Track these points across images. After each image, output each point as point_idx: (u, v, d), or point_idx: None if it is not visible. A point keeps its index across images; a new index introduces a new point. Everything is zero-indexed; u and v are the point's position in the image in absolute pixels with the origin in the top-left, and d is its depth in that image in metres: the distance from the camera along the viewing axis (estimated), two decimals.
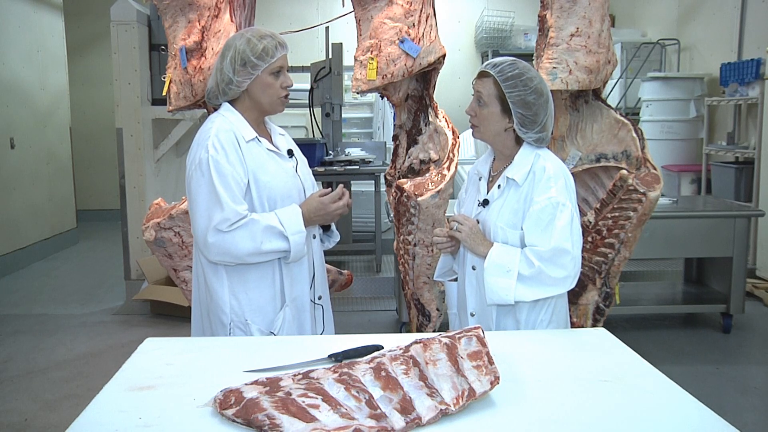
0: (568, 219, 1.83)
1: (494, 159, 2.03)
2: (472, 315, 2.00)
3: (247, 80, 1.93)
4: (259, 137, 1.96)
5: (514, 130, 1.90)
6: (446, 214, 2.58)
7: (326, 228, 2.18)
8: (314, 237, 2.08)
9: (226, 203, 1.83)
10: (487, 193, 1.97)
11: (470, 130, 1.99)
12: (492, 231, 1.91)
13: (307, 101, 5.67)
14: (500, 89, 1.87)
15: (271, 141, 2.04)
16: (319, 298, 2.10)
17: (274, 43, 1.93)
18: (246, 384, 1.33)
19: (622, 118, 2.64)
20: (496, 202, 1.92)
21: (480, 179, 2.02)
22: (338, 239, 2.21)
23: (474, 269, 1.97)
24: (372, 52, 2.59)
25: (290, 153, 2.06)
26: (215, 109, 2.02)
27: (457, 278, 2.12)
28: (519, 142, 1.94)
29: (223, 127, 1.90)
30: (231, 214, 1.83)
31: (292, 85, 2.00)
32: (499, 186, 1.93)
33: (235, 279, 1.93)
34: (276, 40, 1.94)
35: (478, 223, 1.96)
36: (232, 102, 1.99)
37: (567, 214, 1.83)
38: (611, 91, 6.69)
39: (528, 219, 1.85)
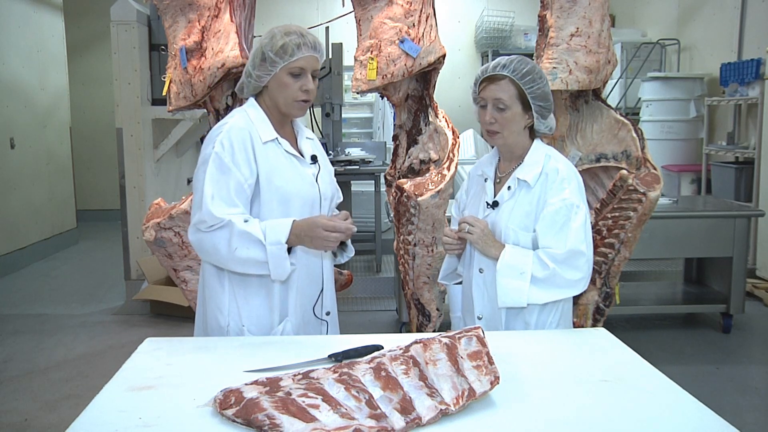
0: (582, 220, 1.82)
1: (500, 160, 1.99)
2: (480, 318, 1.96)
3: (265, 76, 1.85)
4: (279, 138, 1.88)
5: (527, 126, 1.89)
6: (446, 214, 2.58)
7: (341, 243, 1.99)
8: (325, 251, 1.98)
9: (206, 204, 1.76)
10: (495, 194, 1.94)
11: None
12: (503, 233, 1.88)
13: None
14: (519, 88, 1.83)
15: (295, 144, 1.95)
16: (327, 314, 2.02)
17: (297, 42, 1.82)
18: (246, 384, 1.33)
19: (622, 118, 2.63)
20: (507, 203, 1.89)
21: (486, 180, 1.99)
22: (353, 254, 2.07)
23: (481, 272, 1.93)
24: (372, 52, 2.59)
25: (314, 159, 1.96)
26: (226, 108, 1.97)
27: (461, 281, 2.08)
28: (530, 138, 1.93)
29: (237, 125, 1.83)
30: (207, 216, 1.75)
31: (311, 90, 1.86)
32: (509, 188, 1.90)
33: (237, 283, 1.88)
34: (303, 39, 1.83)
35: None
36: (257, 98, 1.93)
37: (581, 216, 1.82)
38: (611, 91, 6.69)
39: (542, 221, 1.83)
